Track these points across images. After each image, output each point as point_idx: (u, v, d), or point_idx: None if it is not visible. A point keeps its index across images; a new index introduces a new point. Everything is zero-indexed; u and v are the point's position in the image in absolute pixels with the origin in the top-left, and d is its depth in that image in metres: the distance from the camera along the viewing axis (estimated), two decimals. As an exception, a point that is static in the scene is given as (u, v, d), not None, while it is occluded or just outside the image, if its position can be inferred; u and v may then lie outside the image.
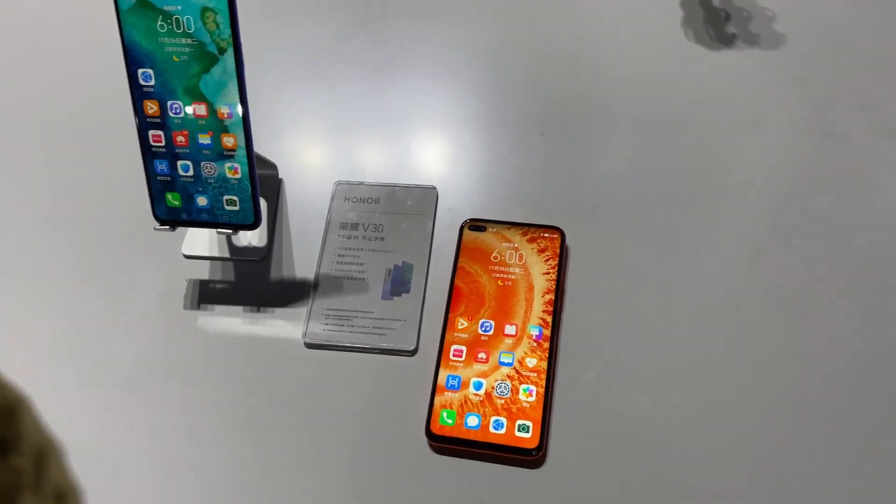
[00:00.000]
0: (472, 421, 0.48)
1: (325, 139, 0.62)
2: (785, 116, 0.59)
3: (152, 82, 0.48)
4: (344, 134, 0.62)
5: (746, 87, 0.60)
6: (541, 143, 0.60)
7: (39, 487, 0.23)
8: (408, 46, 0.65)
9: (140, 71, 0.48)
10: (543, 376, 0.49)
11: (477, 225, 0.55)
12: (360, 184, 0.59)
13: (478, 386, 0.50)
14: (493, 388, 0.49)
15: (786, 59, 0.61)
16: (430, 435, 0.48)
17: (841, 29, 0.62)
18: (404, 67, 0.64)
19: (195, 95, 0.48)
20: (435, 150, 0.61)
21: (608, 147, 0.59)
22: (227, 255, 0.56)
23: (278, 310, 0.55)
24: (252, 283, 0.56)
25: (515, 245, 0.54)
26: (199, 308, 0.55)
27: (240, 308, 0.55)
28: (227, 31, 0.46)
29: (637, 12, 0.64)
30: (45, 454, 0.25)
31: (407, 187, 0.58)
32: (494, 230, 0.55)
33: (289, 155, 0.61)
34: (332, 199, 0.58)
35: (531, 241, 0.54)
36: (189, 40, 0.47)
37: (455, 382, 0.50)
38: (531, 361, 0.50)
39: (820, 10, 0.63)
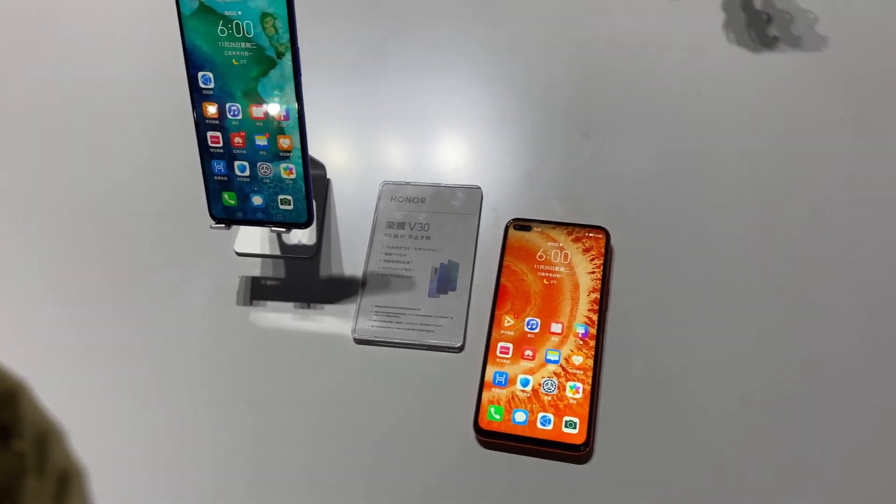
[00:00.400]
0: (520, 417, 0.50)
1: (371, 140, 0.63)
2: (827, 118, 0.59)
3: (211, 85, 0.50)
4: (389, 135, 0.63)
5: (789, 89, 0.61)
6: (584, 144, 0.61)
7: (42, 470, 0.24)
8: (451, 47, 0.66)
9: (200, 74, 0.50)
10: (590, 374, 0.50)
11: (522, 224, 0.56)
12: (406, 184, 0.60)
13: (525, 383, 0.51)
14: (539, 384, 0.50)
15: (828, 60, 0.61)
16: (479, 430, 0.50)
17: (882, 30, 0.62)
18: (448, 68, 0.65)
19: (253, 98, 0.50)
20: (479, 151, 0.62)
21: (651, 148, 0.60)
22: (277, 252, 0.58)
23: (328, 306, 0.56)
24: (302, 281, 0.57)
25: (560, 244, 0.55)
26: (250, 304, 0.57)
27: (290, 304, 0.57)
28: (286, 36, 0.48)
29: (679, 15, 0.65)
30: (47, 437, 0.25)
31: (452, 187, 0.60)
32: (539, 230, 0.56)
33: (335, 155, 0.62)
34: (379, 198, 0.60)
35: (576, 240, 0.55)
36: (248, 44, 0.48)
37: (502, 379, 0.51)
38: (577, 359, 0.51)
39: (861, 11, 0.63)
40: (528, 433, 0.49)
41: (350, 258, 0.58)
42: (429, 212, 0.59)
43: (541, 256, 0.55)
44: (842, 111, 0.59)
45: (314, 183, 0.59)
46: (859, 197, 0.56)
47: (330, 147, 0.62)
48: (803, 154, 0.58)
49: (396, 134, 0.63)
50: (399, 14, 0.68)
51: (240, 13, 0.47)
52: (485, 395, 0.51)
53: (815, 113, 0.59)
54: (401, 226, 0.59)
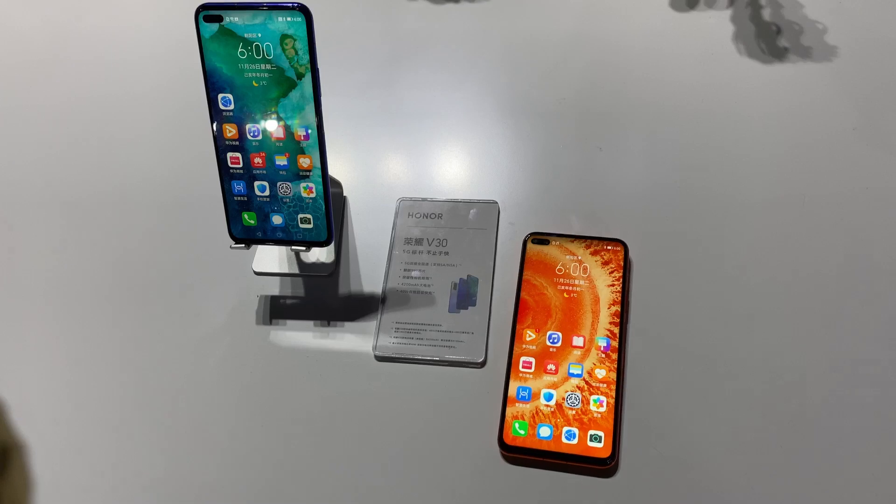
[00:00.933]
0: (545, 431, 0.50)
1: (386, 156, 0.64)
2: (841, 128, 0.59)
3: (232, 107, 0.50)
4: (404, 151, 0.64)
5: (802, 99, 0.61)
6: (598, 157, 0.61)
7: None
8: (462, 63, 0.67)
9: (220, 96, 0.50)
10: (613, 387, 0.50)
11: (540, 238, 0.57)
12: (423, 200, 0.60)
13: (548, 397, 0.51)
14: (563, 398, 0.50)
15: (839, 70, 0.62)
16: (503, 445, 0.50)
17: (892, 39, 0.63)
18: (460, 84, 0.66)
19: (273, 119, 0.50)
20: (494, 165, 0.62)
21: (665, 160, 0.60)
22: (296, 271, 0.58)
23: (348, 324, 0.56)
24: (321, 298, 0.58)
25: (579, 258, 0.55)
26: (270, 323, 0.57)
27: (310, 322, 0.57)
28: (306, 57, 0.48)
29: (688, 27, 0.65)
30: None
31: (469, 202, 0.60)
32: (558, 243, 0.56)
33: (352, 173, 0.62)
34: (396, 215, 0.60)
35: (594, 253, 0.55)
36: (268, 66, 0.48)
37: (526, 394, 0.51)
38: (600, 372, 0.51)
39: (870, 21, 0.64)
40: (553, 448, 0.49)
41: (369, 275, 0.58)
42: (446, 227, 0.59)
43: (560, 270, 0.55)
44: (855, 121, 0.59)
45: (332, 200, 0.59)
46: (878, 206, 0.56)
47: (346, 164, 0.63)
48: (819, 164, 0.58)
49: (411, 150, 0.64)
50: (410, 31, 0.69)
51: (259, 35, 0.48)
52: (508, 410, 0.51)
53: (829, 123, 0.60)
54: (419, 242, 0.59)
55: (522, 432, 0.50)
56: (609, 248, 0.55)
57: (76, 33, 0.73)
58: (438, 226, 0.59)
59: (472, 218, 0.59)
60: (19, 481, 0.24)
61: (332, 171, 0.61)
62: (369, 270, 0.58)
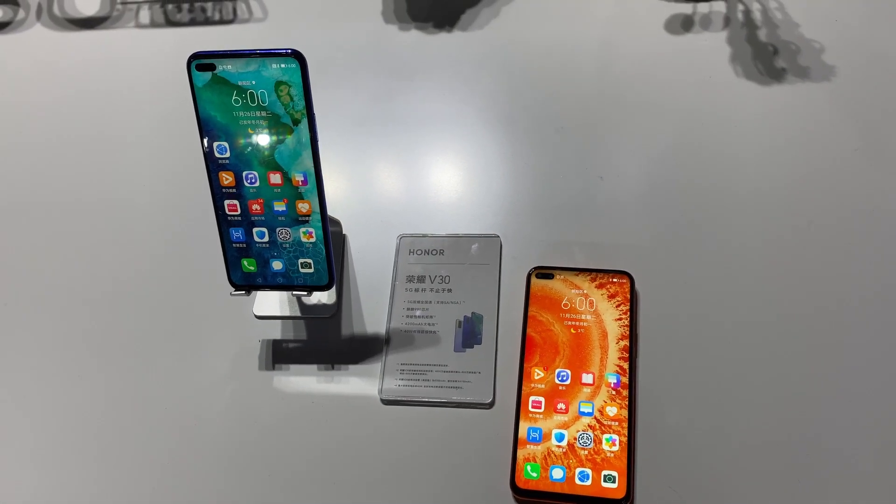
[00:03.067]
0: (557, 473, 0.49)
1: (384, 192, 0.63)
2: (843, 148, 0.59)
3: (227, 154, 0.49)
4: (401, 186, 0.63)
5: (802, 120, 0.60)
6: (599, 186, 0.60)
7: None
8: (457, 95, 0.66)
9: (216, 144, 0.49)
10: (625, 424, 0.50)
11: (544, 273, 0.56)
12: (424, 236, 0.60)
13: (560, 437, 0.50)
14: (575, 438, 0.50)
15: (838, 90, 0.61)
16: (516, 489, 0.49)
17: (888, 57, 0.62)
18: (455, 116, 0.65)
19: (270, 165, 0.49)
20: (493, 198, 0.61)
21: (666, 187, 0.59)
22: (297, 313, 0.57)
23: (352, 366, 0.55)
24: (324, 341, 0.57)
25: (585, 291, 0.55)
26: (273, 368, 0.56)
27: (314, 367, 0.56)
28: (301, 103, 0.47)
29: (684, 50, 0.65)
30: None
31: (470, 237, 0.59)
32: (562, 277, 0.55)
33: (350, 210, 0.62)
34: (397, 252, 0.59)
35: (600, 286, 0.55)
36: (264, 113, 0.48)
37: (537, 435, 0.50)
38: (612, 410, 0.50)
39: (868, 39, 0.63)
40: (567, 490, 0.48)
41: (371, 315, 0.57)
42: (448, 263, 0.58)
43: (566, 305, 0.54)
44: (856, 141, 0.59)
45: (331, 240, 0.59)
46: (885, 227, 0.56)
47: (344, 201, 0.62)
48: (823, 187, 0.58)
49: (410, 184, 0.63)
50: (404, 63, 0.68)
51: (254, 83, 0.47)
52: (520, 452, 0.50)
53: (831, 144, 0.59)
54: (421, 279, 0.58)
55: (535, 475, 0.49)
56: (615, 280, 0.55)
57: (72, 81, 0.72)
58: (440, 262, 0.58)
59: (475, 253, 0.58)
60: None
61: (330, 208, 0.61)
62: (372, 310, 0.58)
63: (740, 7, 0.66)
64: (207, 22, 0.73)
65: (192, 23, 0.73)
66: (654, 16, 0.66)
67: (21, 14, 0.76)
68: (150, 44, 0.72)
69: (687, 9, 0.67)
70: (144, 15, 0.74)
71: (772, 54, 0.64)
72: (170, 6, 0.74)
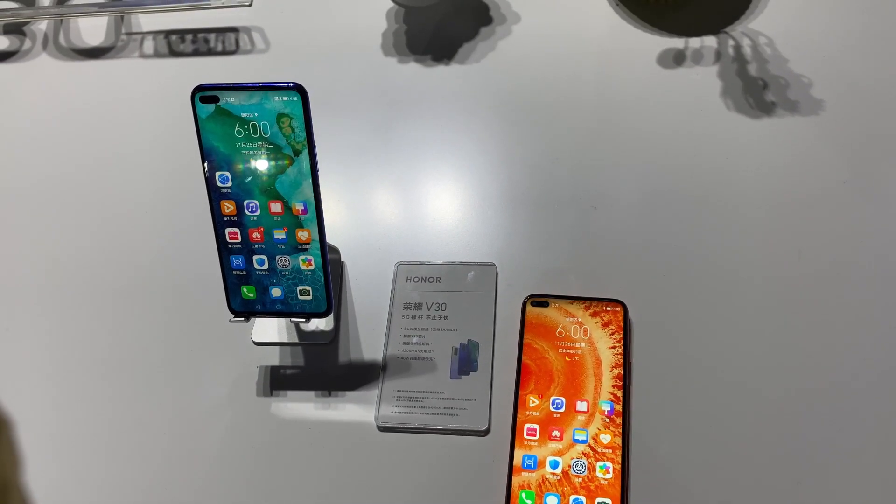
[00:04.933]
0: (552, 501, 0.49)
1: (381, 220, 0.64)
2: (832, 181, 0.60)
3: (229, 184, 0.50)
4: (399, 214, 0.64)
5: (791, 153, 0.62)
6: (593, 216, 0.61)
7: None
8: (453, 125, 0.67)
9: (217, 174, 0.50)
10: (619, 452, 0.50)
11: (539, 301, 0.57)
12: (421, 263, 0.61)
13: (554, 465, 0.50)
14: (569, 466, 0.50)
15: (827, 123, 0.63)
16: (511, 516, 0.49)
17: (877, 92, 0.64)
18: (452, 145, 0.66)
19: (271, 194, 0.50)
20: (489, 227, 0.62)
21: (659, 217, 0.61)
22: (295, 339, 0.58)
23: (349, 393, 0.56)
24: (321, 367, 0.57)
25: (579, 319, 0.55)
26: (271, 395, 0.56)
27: (311, 393, 0.56)
28: (303, 135, 0.48)
29: (676, 84, 0.66)
30: None
31: (467, 265, 0.60)
32: (557, 305, 0.56)
33: (347, 237, 0.63)
34: (394, 279, 0.60)
35: (594, 314, 0.55)
36: (266, 144, 0.49)
37: (531, 462, 0.51)
38: (605, 438, 0.51)
39: (855, 73, 0.65)
40: (561, 518, 0.48)
41: (368, 342, 0.58)
42: (445, 291, 0.59)
43: (560, 332, 0.55)
44: (846, 174, 0.60)
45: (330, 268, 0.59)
46: (873, 259, 0.57)
47: (342, 229, 0.63)
48: (813, 218, 0.59)
49: (407, 213, 0.64)
50: (403, 94, 0.70)
51: (256, 115, 0.48)
52: (514, 479, 0.50)
53: (819, 177, 0.60)
54: (418, 306, 0.59)
55: (529, 502, 0.49)
56: (608, 308, 0.56)
57: (77, 110, 0.73)
58: (437, 290, 0.59)
59: (471, 280, 0.59)
60: (6, 457, 0.23)
61: (329, 236, 0.61)
62: (369, 337, 0.58)
63: (731, 42, 0.68)
64: (210, 53, 0.74)
65: (196, 53, 0.75)
66: (646, 50, 0.68)
67: (28, 44, 0.77)
68: (154, 74, 0.74)
69: (679, 43, 0.68)
70: (149, 45, 0.76)
71: (762, 88, 0.65)
72: (174, 37, 0.76)
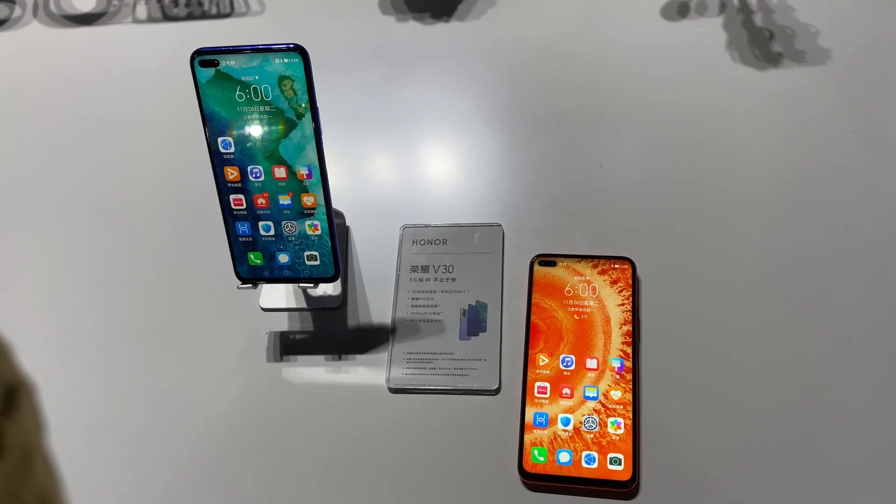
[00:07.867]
0: (564, 457, 0.50)
1: (386, 183, 0.63)
2: (840, 131, 0.60)
3: (232, 149, 0.50)
4: (403, 176, 0.63)
5: (798, 104, 0.61)
6: (599, 174, 0.61)
7: None
8: (455, 84, 0.66)
9: (220, 139, 0.49)
10: (630, 408, 0.51)
11: (547, 260, 0.57)
12: (427, 226, 0.60)
13: (566, 422, 0.51)
14: (581, 422, 0.50)
15: (833, 73, 0.62)
16: (523, 473, 0.50)
17: (883, 40, 0.63)
18: (454, 105, 0.65)
19: (275, 159, 0.50)
20: (495, 187, 0.62)
21: (665, 172, 0.60)
22: (304, 305, 0.58)
23: (359, 356, 0.56)
24: (331, 332, 0.57)
25: (587, 278, 0.55)
26: (281, 360, 0.57)
27: (321, 357, 0.57)
28: (305, 97, 0.48)
29: (681, 37, 0.65)
30: None
31: (472, 226, 0.60)
32: (565, 264, 0.56)
33: (352, 202, 0.62)
34: (401, 242, 0.60)
35: (602, 272, 0.55)
36: (267, 108, 0.48)
37: (543, 419, 0.51)
38: (616, 394, 0.51)
39: (863, 23, 0.64)
40: (573, 473, 0.49)
41: (377, 305, 0.58)
42: (452, 253, 0.59)
43: (569, 291, 0.55)
44: (853, 124, 0.60)
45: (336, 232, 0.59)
46: (880, 208, 0.56)
47: (346, 193, 0.62)
48: (821, 169, 0.58)
49: (411, 174, 0.63)
50: (403, 53, 0.68)
51: (257, 78, 0.47)
52: (526, 437, 0.51)
53: (827, 127, 0.60)
54: (425, 269, 0.59)
55: (542, 459, 0.50)
56: (616, 266, 0.55)
57: (70, 78, 0.72)
58: (443, 252, 0.59)
59: (477, 242, 0.59)
60: (29, 421, 0.23)
61: (333, 201, 0.61)
62: (377, 300, 0.58)
63: (736, -8, 0.66)
64: (204, 16, 0.73)
65: (190, 17, 0.73)
66: (650, 3, 0.67)
67: (17, 11, 0.76)
68: (147, 39, 0.72)
69: (683, -5, 0.67)
70: (141, 10, 0.74)
71: (767, 39, 0.64)
72: (167, 1, 0.74)
